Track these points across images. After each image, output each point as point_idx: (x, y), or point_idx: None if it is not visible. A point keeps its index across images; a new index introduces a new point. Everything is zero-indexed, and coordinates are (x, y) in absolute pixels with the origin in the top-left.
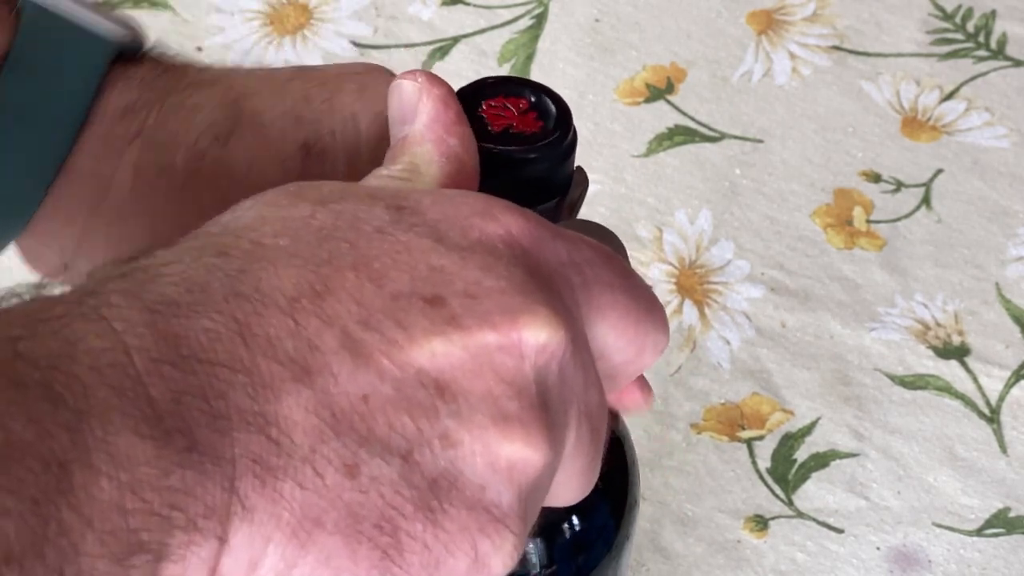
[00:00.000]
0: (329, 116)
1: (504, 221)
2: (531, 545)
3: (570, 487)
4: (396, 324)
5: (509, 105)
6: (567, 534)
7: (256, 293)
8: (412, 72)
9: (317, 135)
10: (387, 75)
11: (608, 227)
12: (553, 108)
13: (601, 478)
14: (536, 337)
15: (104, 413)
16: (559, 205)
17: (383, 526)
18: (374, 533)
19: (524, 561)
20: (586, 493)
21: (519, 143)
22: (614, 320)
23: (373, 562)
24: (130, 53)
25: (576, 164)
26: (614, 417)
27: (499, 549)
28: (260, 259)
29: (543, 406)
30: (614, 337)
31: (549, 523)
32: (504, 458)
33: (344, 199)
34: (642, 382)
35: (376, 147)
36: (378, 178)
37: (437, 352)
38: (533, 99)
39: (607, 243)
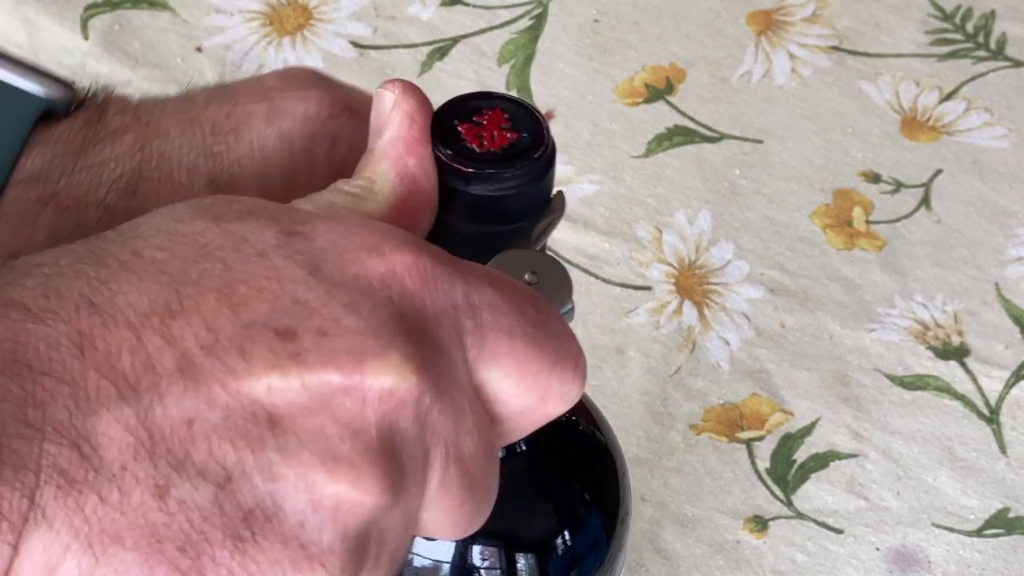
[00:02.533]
0: (236, 145)
1: (390, 258)
2: (522, 560)
3: (444, 525)
4: (239, 353)
5: (485, 121)
6: (558, 549)
7: (109, 306)
8: (393, 81)
9: (222, 167)
10: (302, 89)
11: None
12: (530, 123)
13: (592, 490)
14: (380, 382)
15: None
16: (528, 228)
17: (187, 549)
18: (175, 555)
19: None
20: (471, 531)
21: (491, 163)
22: (510, 368)
23: None
24: (60, 109)
25: (557, 190)
26: (599, 428)
27: None
28: (128, 271)
29: (382, 451)
30: (510, 384)
31: (539, 538)
32: (329, 497)
33: (244, 219)
34: None
35: (288, 168)
36: (333, 192)
37: (274, 386)
38: (510, 115)
39: (552, 281)
